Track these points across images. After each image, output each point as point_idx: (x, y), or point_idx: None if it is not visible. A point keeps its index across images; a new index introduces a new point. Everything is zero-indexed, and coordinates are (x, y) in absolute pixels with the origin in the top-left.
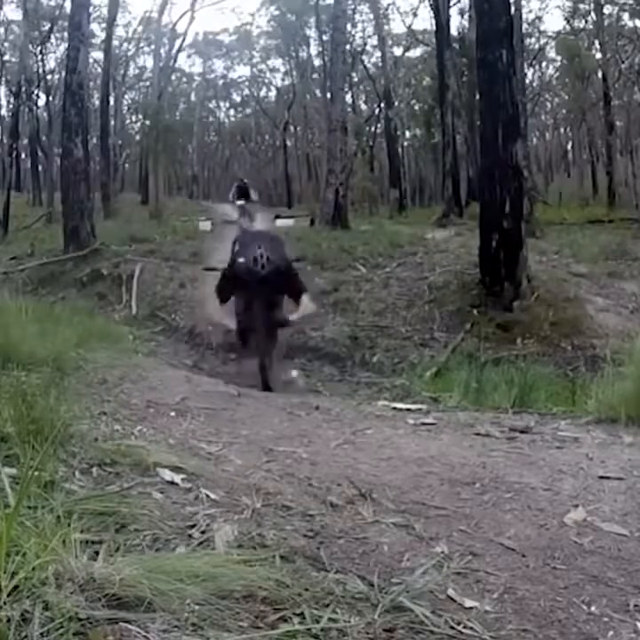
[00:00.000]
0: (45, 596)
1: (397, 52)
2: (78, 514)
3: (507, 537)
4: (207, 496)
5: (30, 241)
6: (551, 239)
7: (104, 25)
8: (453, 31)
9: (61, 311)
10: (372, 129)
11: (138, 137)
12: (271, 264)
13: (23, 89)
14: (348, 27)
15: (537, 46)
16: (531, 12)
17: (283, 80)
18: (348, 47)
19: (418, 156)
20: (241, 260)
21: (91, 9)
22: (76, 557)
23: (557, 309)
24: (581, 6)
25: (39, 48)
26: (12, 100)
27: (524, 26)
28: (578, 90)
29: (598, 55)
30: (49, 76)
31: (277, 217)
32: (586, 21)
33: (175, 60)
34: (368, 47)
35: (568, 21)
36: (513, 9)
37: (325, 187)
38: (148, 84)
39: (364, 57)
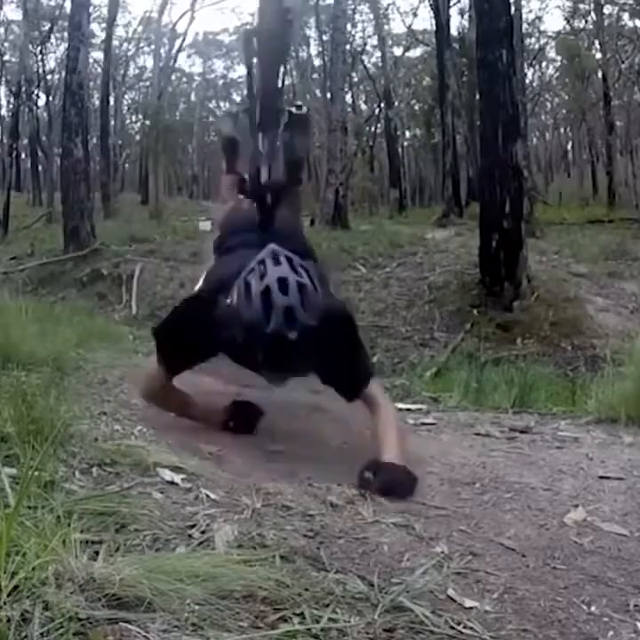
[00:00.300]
0: (45, 595)
1: (397, 52)
2: (78, 514)
3: (507, 537)
4: (207, 496)
5: (30, 241)
6: (551, 239)
7: (104, 25)
8: (453, 31)
9: (61, 311)
10: (372, 129)
11: (138, 137)
12: (311, 312)
13: (23, 89)
14: (348, 27)
15: (537, 46)
16: (531, 12)
17: (283, 80)
18: (348, 47)
19: (418, 155)
20: (228, 300)
21: (91, 9)
22: (75, 557)
23: (557, 309)
24: (581, 6)
25: (39, 48)
26: (11, 99)
27: (524, 26)
28: (578, 90)
29: (598, 55)
30: (49, 76)
31: None
32: (586, 21)
33: (175, 60)
34: (368, 47)
35: (568, 21)
36: (513, 9)
37: (325, 187)
38: (147, 84)
39: (364, 57)
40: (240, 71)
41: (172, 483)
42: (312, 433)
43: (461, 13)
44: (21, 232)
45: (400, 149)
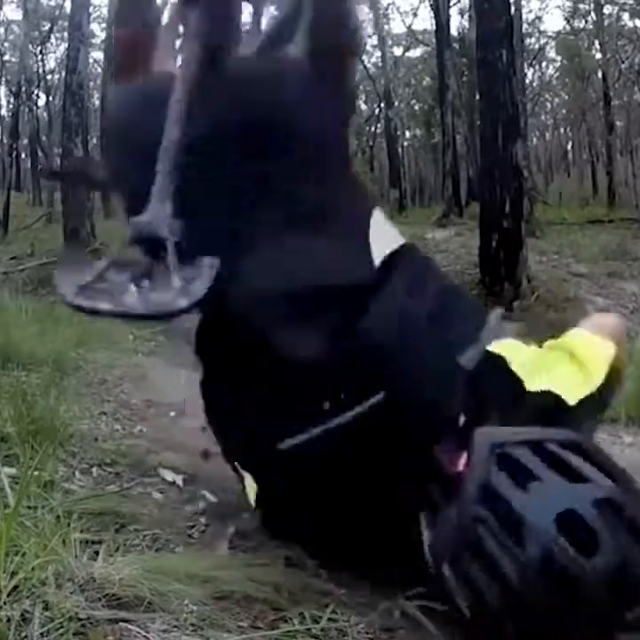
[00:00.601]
0: (45, 596)
1: (397, 52)
2: (78, 514)
3: None
4: (207, 496)
5: (30, 241)
6: (551, 239)
7: (104, 25)
8: (453, 31)
9: (61, 311)
10: (372, 129)
11: None
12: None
13: (23, 89)
14: None
15: (537, 46)
16: (531, 12)
17: None
18: None
19: (418, 156)
20: None
21: (91, 9)
22: (75, 557)
23: (557, 309)
24: (581, 6)
25: (39, 48)
26: (12, 99)
27: (524, 26)
28: (578, 90)
29: (598, 55)
30: (49, 76)
31: None
32: (586, 21)
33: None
34: (368, 47)
35: (568, 21)
36: (513, 9)
37: None
38: None
39: (363, 57)
40: None
41: (172, 483)
42: None
43: (461, 13)
44: (21, 232)
45: (400, 149)
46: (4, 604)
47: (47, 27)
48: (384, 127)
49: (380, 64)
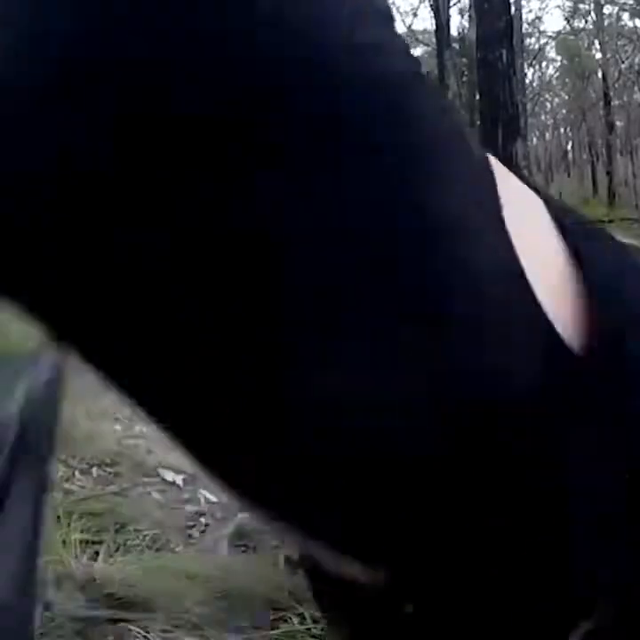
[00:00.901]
0: (45, 596)
1: None
2: (78, 514)
3: None
4: (207, 496)
5: None
6: None
7: None
8: (453, 31)
9: None
10: None
11: None
12: None
13: None
14: None
15: (537, 46)
16: (531, 11)
17: None
18: None
19: None
20: None
21: None
22: (75, 557)
23: None
24: (581, 6)
25: None
26: None
27: (524, 26)
28: (578, 90)
29: (598, 55)
30: None
31: None
32: (586, 21)
33: None
34: None
35: (568, 21)
36: (513, 9)
37: None
38: None
39: None
40: None
41: (172, 483)
42: None
43: (461, 13)
44: None
45: None
46: None
47: None
48: None
49: None
